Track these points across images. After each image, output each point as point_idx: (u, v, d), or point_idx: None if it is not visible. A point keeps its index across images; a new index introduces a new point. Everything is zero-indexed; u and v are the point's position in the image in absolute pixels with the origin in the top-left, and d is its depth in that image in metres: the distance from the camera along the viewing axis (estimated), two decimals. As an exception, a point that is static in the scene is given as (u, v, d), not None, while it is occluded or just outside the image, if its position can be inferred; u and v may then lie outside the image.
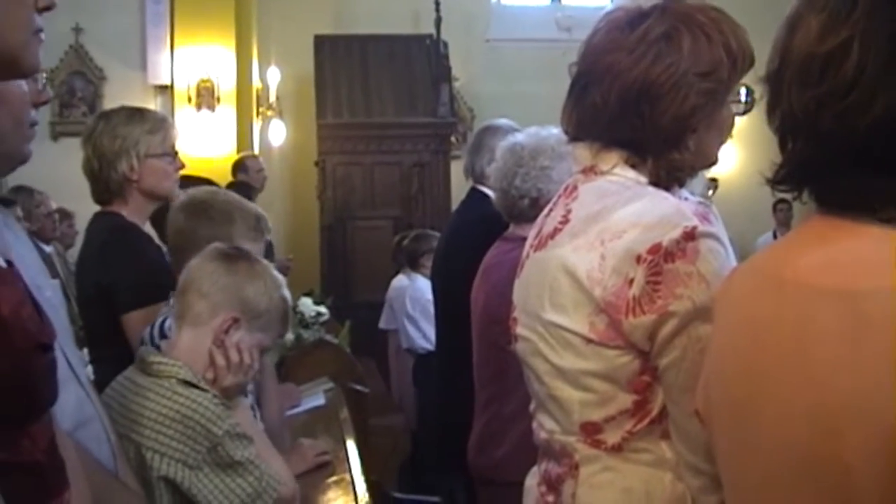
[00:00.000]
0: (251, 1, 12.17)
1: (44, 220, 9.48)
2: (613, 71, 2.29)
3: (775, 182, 1.68)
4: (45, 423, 1.59)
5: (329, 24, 13.59)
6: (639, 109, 2.26)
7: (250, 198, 5.10)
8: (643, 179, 2.32)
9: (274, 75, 12.81)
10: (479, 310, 4.08)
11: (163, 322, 3.31)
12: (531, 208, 3.66)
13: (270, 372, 3.84)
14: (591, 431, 2.29)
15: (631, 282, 2.16)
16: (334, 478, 3.87)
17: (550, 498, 2.41)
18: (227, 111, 11.21)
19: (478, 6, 14.60)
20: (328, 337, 7.47)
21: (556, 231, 2.38)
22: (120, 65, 12.67)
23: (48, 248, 9.14)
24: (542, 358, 2.38)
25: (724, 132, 2.39)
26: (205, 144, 10.80)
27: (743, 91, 2.36)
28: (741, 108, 2.38)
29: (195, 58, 11.17)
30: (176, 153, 4.23)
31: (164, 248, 4.44)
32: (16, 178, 2.26)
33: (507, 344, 2.62)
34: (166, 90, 11.86)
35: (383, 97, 12.78)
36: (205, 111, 11.08)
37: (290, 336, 7.05)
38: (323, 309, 7.79)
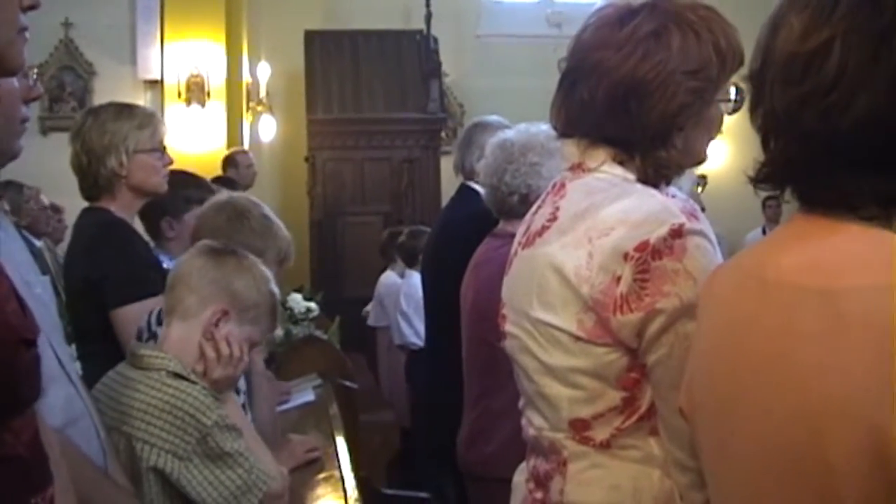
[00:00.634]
0: (241, -4, 12.18)
1: (38, 214, 9.47)
2: (602, 68, 2.29)
3: (757, 181, 1.69)
4: (28, 417, 1.59)
5: (319, 19, 13.58)
6: (626, 106, 2.26)
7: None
8: (631, 177, 2.32)
9: (264, 70, 12.81)
10: (468, 306, 4.08)
11: (160, 312, 3.32)
12: (521, 204, 3.66)
13: (262, 370, 3.84)
14: (579, 428, 2.30)
15: (618, 279, 2.16)
16: (324, 474, 3.88)
17: (539, 494, 2.42)
18: (217, 106, 11.19)
19: (468, 2, 14.61)
20: (318, 333, 7.46)
21: (544, 229, 2.38)
22: (110, 60, 12.68)
23: (38, 243, 9.12)
24: (530, 355, 2.38)
25: (712, 130, 2.39)
26: (195, 140, 10.78)
27: (732, 90, 2.36)
28: (730, 106, 2.38)
29: (185, 53, 11.15)
30: (164, 149, 4.23)
31: (153, 244, 4.45)
32: (5, 172, 2.26)
33: (496, 340, 2.62)
34: (156, 85, 11.86)
35: (373, 93, 12.78)
36: (195, 106, 11.06)
37: (279, 332, 7.05)
38: (313, 305, 7.79)
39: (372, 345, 9.79)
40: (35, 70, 2.66)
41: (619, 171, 2.33)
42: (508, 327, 2.50)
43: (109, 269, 3.87)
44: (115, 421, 2.81)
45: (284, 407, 4.76)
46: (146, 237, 4.46)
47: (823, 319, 1.46)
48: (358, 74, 12.86)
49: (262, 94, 12.84)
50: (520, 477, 2.57)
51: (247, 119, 12.36)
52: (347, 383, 6.54)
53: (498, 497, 2.75)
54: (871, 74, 1.49)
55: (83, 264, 4.04)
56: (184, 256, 3.12)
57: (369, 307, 9.86)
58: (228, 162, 9.35)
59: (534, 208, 2.54)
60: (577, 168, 2.39)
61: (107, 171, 4.06)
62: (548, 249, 2.33)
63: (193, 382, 2.90)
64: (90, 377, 3.18)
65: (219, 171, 8.75)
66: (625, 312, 2.16)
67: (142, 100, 11.25)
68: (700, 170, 2.97)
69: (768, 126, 1.64)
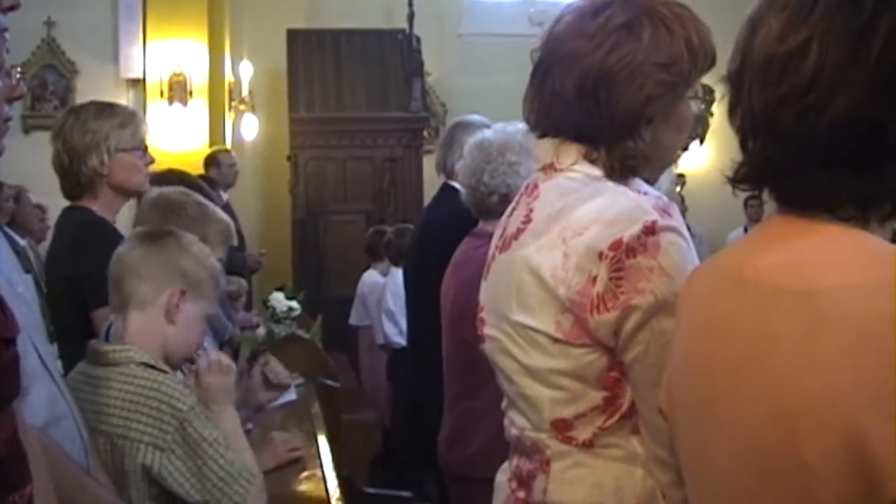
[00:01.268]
0: (224, -5, 12.17)
1: (29, 212, 9.47)
2: (573, 57, 2.30)
3: (735, 181, 1.69)
4: (6, 416, 1.59)
5: (302, 18, 13.55)
6: (595, 96, 2.26)
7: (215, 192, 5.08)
8: (601, 174, 2.32)
9: (246, 69, 12.78)
10: (449, 305, 4.09)
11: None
12: (500, 204, 3.66)
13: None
14: (562, 428, 2.30)
15: (594, 279, 2.17)
16: (306, 473, 3.88)
17: (521, 494, 2.42)
18: (199, 105, 11.19)
19: (450, 1, 14.57)
20: (300, 332, 7.45)
21: (519, 231, 2.38)
22: (92, 58, 12.64)
23: (22, 242, 9.11)
24: (510, 357, 2.38)
25: (683, 128, 2.39)
26: (177, 138, 10.78)
27: (699, 90, 2.39)
28: (699, 105, 2.40)
29: (167, 52, 11.14)
30: (146, 147, 4.23)
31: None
32: (-14, 171, 2.27)
33: (476, 340, 2.62)
34: (138, 84, 11.84)
35: (356, 92, 12.76)
36: (177, 105, 11.05)
37: (261, 331, 7.04)
38: (295, 304, 7.77)
39: (354, 343, 9.77)
40: (18, 69, 2.66)
41: (590, 169, 2.33)
42: (487, 330, 2.50)
43: (90, 269, 3.85)
44: (92, 422, 2.77)
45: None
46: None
47: (800, 319, 1.47)
48: (340, 73, 12.84)
49: (245, 92, 12.81)
50: (502, 476, 2.57)
51: (229, 118, 12.35)
52: (329, 382, 6.53)
53: (480, 497, 2.75)
54: (849, 75, 1.49)
55: (64, 264, 4.03)
56: (120, 249, 3.12)
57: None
58: (210, 161, 9.35)
59: (508, 210, 2.54)
60: (549, 168, 2.40)
61: (88, 170, 4.06)
62: (524, 252, 2.33)
63: (163, 371, 2.92)
64: (71, 376, 3.18)
65: (201, 170, 8.75)
66: (601, 312, 2.17)
67: (124, 98, 11.22)
68: (679, 169, 2.97)
69: (746, 126, 1.65)
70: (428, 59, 13.09)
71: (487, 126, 4.43)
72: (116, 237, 4.08)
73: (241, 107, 12.81)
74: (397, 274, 8.32)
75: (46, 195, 8.50)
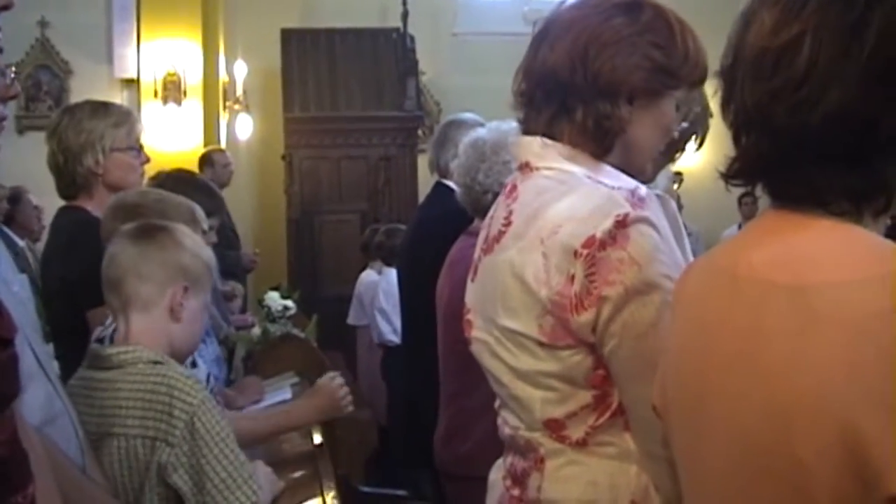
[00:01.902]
0: (217, -6, 12.15)
1: (29, 213, 9.46)
2: (570, 22, 2.34)
3: (728, 176, 1.70)
4: (6, 417, 1.59)
5: (296, 17, 13.55)
6: (585, 53, 2.29)
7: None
8: (579, 171, 2.32)
9: (241, 69, 12.76)
10: (443, 304, 4.09)
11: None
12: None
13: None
14: (554, 428, 2.30)
15: (572, 278, 2.16)
16: (301, 472, 3.87)
17: (516, 492, 2.42)
18: (193, 105, 11.16)
19: (444, 0, 14.58)
20: (295, 331, 7.46)
21: (501, 234, 2.39)
22: (86, 59, 12.64)
23: (21, 243, 9.11)
24: (499, 360, 2.39)
25: (661, 128, 2.41)
26: (171, 138, 10.75)
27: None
28: (682, 124, 2.43)
29: (161, 51, 11.11)
30: (141, 147, 4.22)
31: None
32: (-18, 172, 2.25)
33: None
34: (132, 84, 11.82)
35: (350, 91, 12.75)
36: (171, 105, 11.02)
37: (256, 330, 7.05)
38: (290, 303, 7.78)
39: (350, 343, 9.77)
40: (13, 69, 2.66)
41: (566, 166, 2.33)
42: (475, 333, 2.50)
43: (85, 270, 3.84)
44: (104, 426, 2.77)
45: (258, 406, 4.76)
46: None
47: (794, 315, 1.47)
48: (335, 73, 12.83)
49: (239, 92, 12.80)
50: (496, 474, 2.57)
51: (223, 118, 12.32)
52: (325, 381, 6.52)
53: (475, 495, 2.74)
54: (842, 69, 1.50)
55: (60, 264, 4.03)
56: (112, 249, 3.06)
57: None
58: (205, 161, 9.33)
59: (491, 211, 2.55)
60: (525, 167, 2.40)
61: (83, 170, 4.06)
62: (507, 255, 2.33)
63: (172, 365, 2.90)
64: (68, 376, 3.17)
65: (195, 170, 8.73)
66: (580, 311, 2.16)
67: (118, 98, 11.20)
68: (676, 167, 2.98)
69: (739, 122, 1.65)
70: (422, 58, 13.09)
71: (481, 124, 4.43)
72: (111, 237, 4.08)
73: (236, 106, 12.79)
74: (390, 273, 8.32)
75: (42, 195, 8.52)
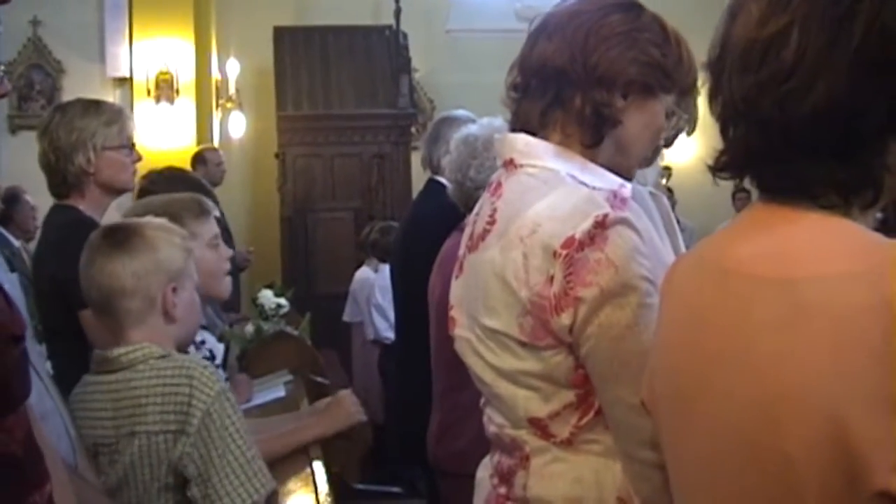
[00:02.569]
0: (210, -7, 12.15)
1: (27, 213, 9.45)
2: (570, 15, 2.36)
3: (716, 169, 1.69)
4: (20, 415, 1.59)
5: (288, 15, 13.53)
6: (585, 43, 2.30)
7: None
8: (563, 168, 2.32)
9: (233, 67, 12.76)
10: (435, 300, 4.08)
11: None
12: (487, 199, 3.67)
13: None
14: (539, 426, 2.30)
15: (551, 279, 2.16)
16: (295, 470, 3.87)
17: (503, 490, 2.42)
18: (186, 103, 11.17)
19: (437, -3, 14.60)
20: (288, 329, 7.45)
21: (485, 232, 2.38)
22: (78, 58, 12.62)
23: (17, 243, 9.10)
24: (481, 359, 2.39)
25: (652, 129, 2.43)
26: (164, 137, 10.76)
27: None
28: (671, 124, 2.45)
29: (154, 50, 11.11)
30: (133, 145, 4.22)
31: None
32: (-25, 172, 2.24)
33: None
34: (125, 83, 11.82)
35: (343, 88, 12.74)
36: (164, 104, 11.02)
37: (249, 328, 7.04)
38: (283, 301, 7.78)
39: (345, 341, 9.77)
40: (3, 67, 2.66)
41: (551, 163, 2.33)
42: (458, 330, 2.50)
43: (76, 269, 3.85)
44: (123, 428, 2.77)
45: (254, 403, 4.75)
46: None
47: (782, 309, 1.46)
48: (328, 70, 12.82)
49: (232, 90, 12.79)
50: (483, 472, 2.58)
51: (216, 116, 12.32)
52: (319, 379, 6.53)
53: (469, 492, 2.73)
54: (830, 60, 1.49)
55: (51, 263, 4.01)
56: (89, 270, 3.00)
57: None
58: (198, 159, 9.33)
59: (476, 208, 2.55)
60: (510, 164, 2.40)
61: (75, 169, 4.05)
62: (490, 254, 2.33)
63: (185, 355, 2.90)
64: (60, 376, 3.17)
65: (188, 169, 8.73)
66: (559, 312, 2.16)
67: (111, 97, 11.18)
68: (665, 161, 2.99)
69: (727, 114, 1.64)
70: (415, 55, 13.08)
71: (474, 121, 4.43)
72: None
73: (229, 105, 12.79)
74: (386, 270, 8.34)
75: (35, 195, 8.52)
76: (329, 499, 3.53)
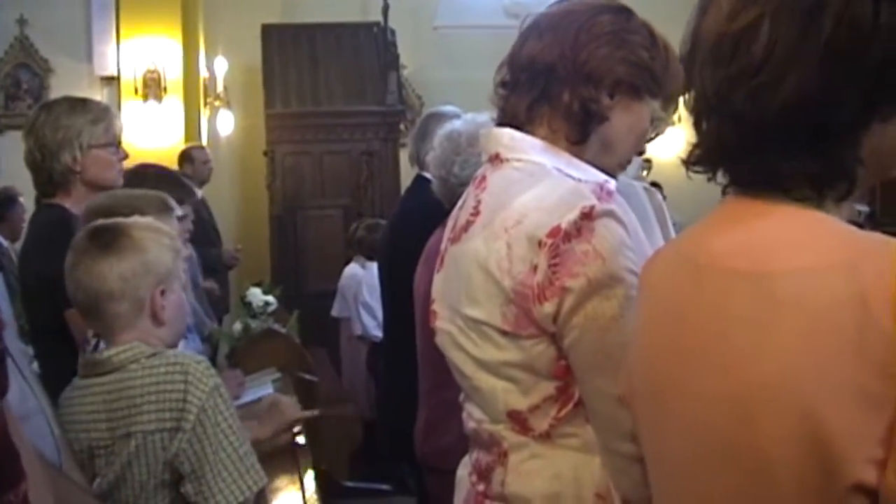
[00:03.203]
0: (197, -9, 12.12)
1: (20, 215, 9.42)
2: (562, 14, 2.38)
3: (689, 163, 1.70)
4: None
5: (276, 13, 13.51)
6: (575, 40, 2.32)
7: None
8: (549, 162, 2.33)
9: (221, 65, 12.73)
10: (421, 296, 4.07)
11: None
12: (471, 195, 3.67)
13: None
14: (518, 420, 2.31)
15: (535, 268, 2.17)
16: (281, 467, 3.87)
17: (481, 487, 2.43)
18: (174, 102, 11.13)
19: (425, -7, 14.58)
20: (276, 326, 7.46)
21: (468, 224, 2.39)
22: (66, 56, 12.61)
23: (5, 243, 9.09)
24: (463, 351, 2.40)
25: (635, 132, 2.45)
26: (152, 135, 10.73)
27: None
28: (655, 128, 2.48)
29: (141, 49, 11.07)
30: (119, 143, 4.21)
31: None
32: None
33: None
34: (113, 81, 11.80)
35: (331, 86, 12.71)
36: (151, 102, 10.98)
37: (237, 326, 7.05)
38: (271, 298, 7.79)
39: (334, 338, 9.78)
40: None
41: (537, 157, 2.34)
42: (440, 323, 2.51)
43: (62, 267, 3.84)
44: (119, 429, 2.76)
45: (242, 401, 4.75)
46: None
47: (756, 303, 1.47)
48: (316, 68, 12.79)
49: (220, 88, 12.75)
50: (463, 470, 2.58)
51: (204, 114, 12.29)
52: (307, 376, 6.54)
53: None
54: (800, 53, 1.49)
55: (37, 261, 4.00)
56: (75, 272, 2.97)
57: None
58: (185, 157, 9.32)
59: (460, 202, 2.56)
60: (496, 159, 2.41)
61: (61, 167, 4.04)
62: (473, 245, 2.34)
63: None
64: (47, 376, 3.16)
65: (176, 167, 8.72)
66: (542, 302, 2.17)
67: (98, 96, 11.17)
68: (647, 154, 3.00)
69: (699, 108, 1.65)
70: (403, 52, 13.07)
71: (460, 117, 4.43)
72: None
73: (217, 103, 12.75)
74: (374, 267, 8.34)
75: (23, 194, 8.49)
76: (315, 496, 3.53)
